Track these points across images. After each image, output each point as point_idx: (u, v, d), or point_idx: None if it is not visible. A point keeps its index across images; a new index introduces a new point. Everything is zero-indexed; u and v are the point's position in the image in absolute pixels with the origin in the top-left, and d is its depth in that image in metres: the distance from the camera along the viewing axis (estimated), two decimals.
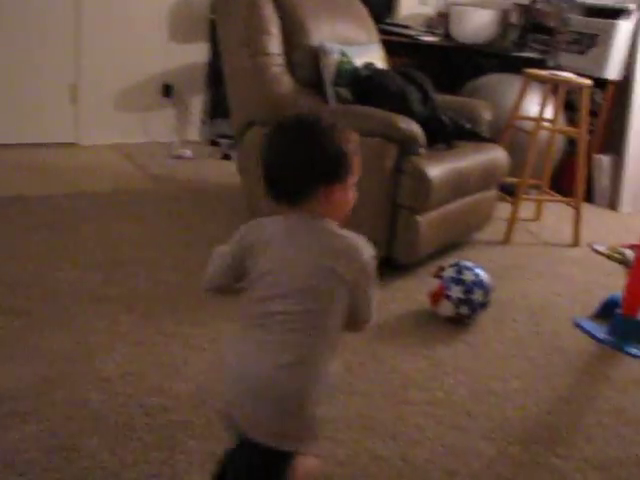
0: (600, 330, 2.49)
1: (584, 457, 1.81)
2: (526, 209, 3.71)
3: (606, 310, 2.58)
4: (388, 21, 4.48)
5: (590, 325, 2.53)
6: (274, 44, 2.91)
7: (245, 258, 1.27)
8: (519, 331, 2.45)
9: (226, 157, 4.02)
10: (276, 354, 1.20)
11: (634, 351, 2.37)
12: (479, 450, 1.77)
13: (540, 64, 4.14)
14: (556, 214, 3.69)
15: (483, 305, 2.42)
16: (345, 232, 1.27)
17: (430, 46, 4.52)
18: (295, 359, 1.20)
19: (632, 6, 3.79)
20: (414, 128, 2.62)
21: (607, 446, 1.87)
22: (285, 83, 2.90)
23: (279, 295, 1.22)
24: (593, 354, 2.37)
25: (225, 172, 3.76)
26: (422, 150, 2.65)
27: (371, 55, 3.13)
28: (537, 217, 3.67)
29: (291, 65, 2.95)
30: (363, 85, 2.91)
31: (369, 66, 2.99)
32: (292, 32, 2.96)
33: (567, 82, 3.26)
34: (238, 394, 1.23)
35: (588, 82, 3.25)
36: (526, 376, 2.17)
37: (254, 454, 1.24)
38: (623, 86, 3.96)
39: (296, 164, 1.22)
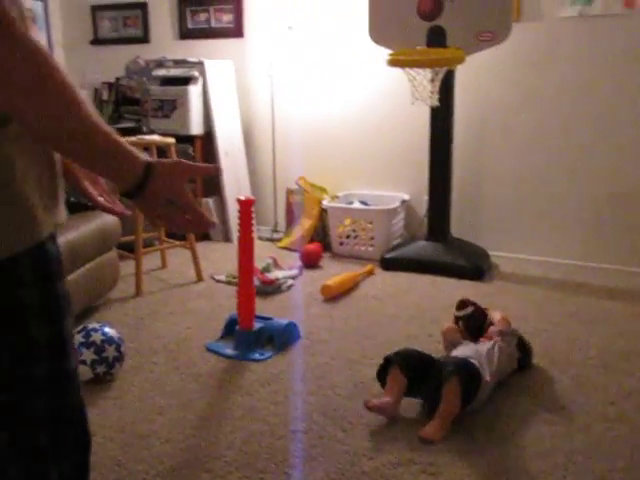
0: (227, 347, 2.69)
1: (228, 462, 1.94)
2: (154, 260, 3.83)
3: (229, 329, 2.80)
4: None
5: (218, 346, 2.72)
6: None
7: None
8: (158, 371, 2.52)
9: None
10: None
11: (256, 356, 2.61)
12: None
13: (137, 131, 4.32)
14: (180, 258, 3.87)
15: (118, 359, 2.42)
16: None
17: None
18: None
19: (196, 73, 4.23)
20: None
21: (244, 445, 2.03)
22: None
23: None
24: (224, 370, 2.54)
25: None
26: None
27: None
28: (164, 265, 3.81)
29: None
30: None
31: None
32: None
33: (154, 143, 3.46)
34: None
35: (172, 140, 3.50)
36: (167, 410, 2.23)
37: None
38: (209, 138, 4.36)
39: None
